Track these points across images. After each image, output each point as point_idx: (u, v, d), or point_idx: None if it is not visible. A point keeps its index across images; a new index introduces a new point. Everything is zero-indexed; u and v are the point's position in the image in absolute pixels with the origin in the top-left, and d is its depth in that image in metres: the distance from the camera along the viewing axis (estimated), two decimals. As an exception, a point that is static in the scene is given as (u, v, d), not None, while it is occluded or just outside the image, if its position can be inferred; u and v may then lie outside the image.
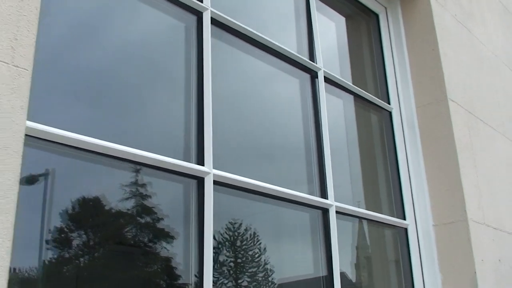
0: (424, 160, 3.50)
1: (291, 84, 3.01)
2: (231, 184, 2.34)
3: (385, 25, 3.81)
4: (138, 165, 2.05)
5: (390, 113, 3.61)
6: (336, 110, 3.34)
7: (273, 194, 2.53)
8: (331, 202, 2.80)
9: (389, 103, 3.62)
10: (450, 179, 3.39)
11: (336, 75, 3.26)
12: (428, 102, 3.57)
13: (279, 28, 3.10)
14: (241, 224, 2.42)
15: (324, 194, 2.83)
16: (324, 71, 3.12)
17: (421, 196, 3.44)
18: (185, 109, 2.31)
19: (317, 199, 2.75)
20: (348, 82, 3.37)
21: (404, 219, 3.41)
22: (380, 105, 3.56)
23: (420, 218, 3.43)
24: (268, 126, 2.76)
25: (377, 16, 3.84)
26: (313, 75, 3.10)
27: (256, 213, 2.56)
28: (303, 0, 3.26)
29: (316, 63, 3.10)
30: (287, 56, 2.93)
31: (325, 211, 2.80)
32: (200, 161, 2.25)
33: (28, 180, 1.74)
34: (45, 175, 1.83)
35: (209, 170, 2.23)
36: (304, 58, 3.03)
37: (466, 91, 3.71)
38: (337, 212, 2.85)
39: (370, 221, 3.21)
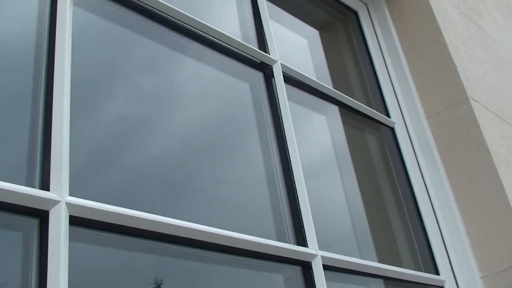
0: (451, 185, 2.45)
1: (238, 89, 2.04)
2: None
3: (368, 23, 2.90)
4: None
5: (392, 129, 2.61)
6: (316, 129, 2.34)
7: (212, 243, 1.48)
8: (314, 251, 1.72)
9: (389, 117, 2.63)
10: (493, 208, 2.34)
11: (313, 78, 2.30)
12: (442, 108, 2.58)
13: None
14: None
15: (301, 241, 1.76)
16: (281, 64, 2.16)
17: (456, 237, 2.37)
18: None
19: (290, 248, 1.66)
20: (331, 89, 2.39)
21: (437, 273, 2.32)
22: (379, 119, 2.57)
23: (460, 269, 2.33)
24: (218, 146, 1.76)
25: (356, 14, 2.95)
26: (268, 73, 2.13)
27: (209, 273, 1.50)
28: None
29: (270, 54, 2.15)
30: (234, 52, 1.99)
31: (305, 267, 1.71)
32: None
33: None
34: None
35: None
36: (255, 48, 2.08)
37: (488, 92, 2.73)
38: (325, 266, 1.73)
39: (379, 278, 2.11)
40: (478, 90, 2.62)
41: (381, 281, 2.08)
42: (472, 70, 2.70)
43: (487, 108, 2.59)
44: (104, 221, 1.26)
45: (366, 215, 2.30)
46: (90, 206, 1.22)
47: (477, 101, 2.54)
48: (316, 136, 2.29)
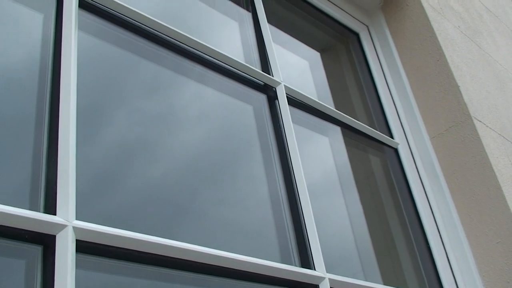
0: (456, 206, 2.44)
1: (242, 111, 2.03)
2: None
3: (369, 44, 2.91)
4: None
5: (395, 150, 2.60)
6: (319, 150, 2.33)
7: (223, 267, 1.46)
8: (321, 273, 1.69)
9: (392, 138, 2.62)
10: (499, 228, 2.32)
11: (315, 99, 2.30)
12: (446, 128, 2.57)
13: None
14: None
15: (307, 264, 1.74)
16: (285, 85, 2.16)
17: (462, 258, 2.34)
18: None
19: (297, 271, 1.63)
20: (334, 111, 2.39)
21: (444, 295, 2.29)
22: (382, 140, 2.56)
23: (466, 291, 2.31)
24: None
25: (357, 36, 2.96)
26: (271, 95, 2.13)
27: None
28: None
29: (273, 76, 2.15)
30: (236, 75, 1.99)
31: None
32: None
33: None
34: None
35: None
36: (258, 70, 2.08)
37: (491, 111, 2.72)
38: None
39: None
40: (481, 110, 2.62)
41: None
42: (474, 89, 2.70)
43: (490, 128, 2.58)
44: (111, 245, 1.24)
45: (370, 237, 2.28)
46: (98, 230, 1.21)
47: (480, 121, 2.53)
48: (319, 157, 2.28)
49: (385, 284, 2.12)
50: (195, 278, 1.43)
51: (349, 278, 1.74)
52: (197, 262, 1.41)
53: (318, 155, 2.28)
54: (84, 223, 1.20)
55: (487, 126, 2.58)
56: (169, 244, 1.32)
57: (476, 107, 2.59)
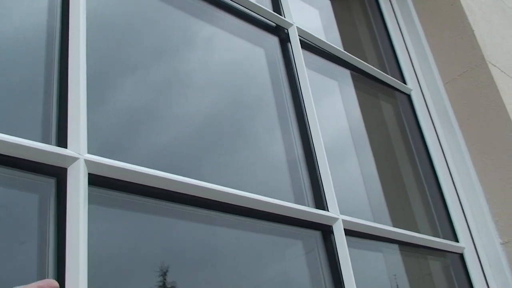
0: (469, 151, 2.41)
1: (253, 53, 1.99)
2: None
3: (381, -11, 2.83)
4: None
5: (408, 96, 2.56)
6: (332, 95, 2.29)
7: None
8: (335, 214, 1.67)
9: (405, 84, 2.58)
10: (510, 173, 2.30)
11: (327, 41, 2.25)
12: (460, 73, 2.52)
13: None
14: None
15: (321, 206, 1.72)
16: (297, 27, 2.10)
17: (475, 203, 2.33)
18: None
19: (311, 211, 1.61)
20: (348, 55, 2.34)
21: (456, 240, 2.28)
22: (396, 86, 2.52)
23: (479, 236, 2.30)
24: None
25: (369, -19, 2.88)
26: (283, 37, 2.08)
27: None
28: None
29: (285, 17, 2.10)
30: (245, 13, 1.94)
31: (326, 232, 1.67)
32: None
33: None
34: None
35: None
36: (270, 10, 2.03)
37: (506, 57, 2.67)
38: (346, 231, 1.68)
39: (401, 245, 2.07)
40: (496, 54, 2.56)
41: (402, 247, 2.05)
42: (489, 34, 2.64)
43: (505, 73, 2.53)
44: (124, 179, 1.22)
45: (382, 183, 2.26)
46: (109, 164, 1.19)
47: (495, 65, 2.48)
48: (331, 102, 2.25)
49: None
50: (208, 216, 1.41)
51: (362, 220, 1.72)
52: (210, 200, 1.39)
53: (330, 100, 2.24)
54: (96, 156, 1.17)
55: (502, 72, 2.53)
56: (181, 181, 1.30)
57: (490, 51, 2.53)
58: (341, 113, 2.28)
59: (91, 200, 1.14)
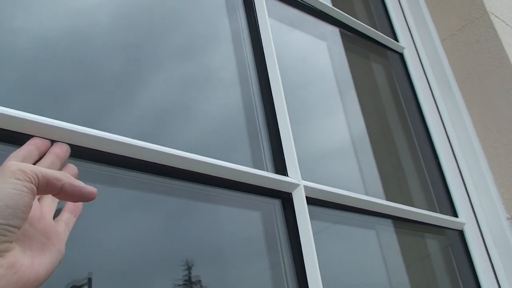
0: (470, 114, 2.13)
1: (210, 12, 1.72)
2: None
3: None
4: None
5: (401, 54, 2.28)
6: (314, 53, 2.02)
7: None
8: (295, 180, 1.39)
9: (397, 41, 2.29)
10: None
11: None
12: (459, 28, 2.23)
13: None
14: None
15: (281, 170, 1.43)
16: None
17: (477, 173, 2.05)
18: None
19: (266, 175, 1.32)
20: (331, 7, 2.06)
21: (455, 215, 2.01)
22: (385, 43, 2.23)
23: (482, 210, 2.02)
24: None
25: None
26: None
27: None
28: None
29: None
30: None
31: (285, 200, 1.39)
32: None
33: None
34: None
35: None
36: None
37: (510, 8, 2.36)
38: (309, 200, 1.38)
39: (384, 218, 1.80)
40: (499, 6, 2.27)
41: (388, 221, 1.78)
42: (492, -15, 2.35)
43: (510, 26, 2.24)
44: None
45: (372, 151, 1.99)
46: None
47: (498, 17, 2.19)
48: (314, 62, 1.98)
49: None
50: (150, 183, 1.15)
51: (326, 186, 1.44)
52: (156, 164, 1.12)
53: (312, 59, 1.97)
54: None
55: (507, 25, 2.23)
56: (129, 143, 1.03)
57: (492, 1, 2.24)
58: (325, 73, 2.01)
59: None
